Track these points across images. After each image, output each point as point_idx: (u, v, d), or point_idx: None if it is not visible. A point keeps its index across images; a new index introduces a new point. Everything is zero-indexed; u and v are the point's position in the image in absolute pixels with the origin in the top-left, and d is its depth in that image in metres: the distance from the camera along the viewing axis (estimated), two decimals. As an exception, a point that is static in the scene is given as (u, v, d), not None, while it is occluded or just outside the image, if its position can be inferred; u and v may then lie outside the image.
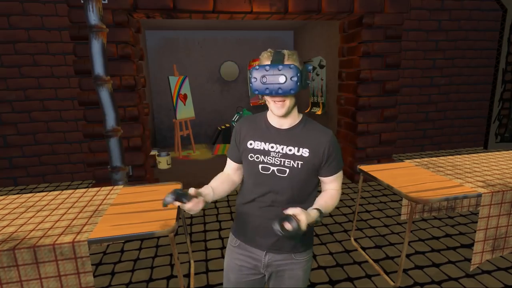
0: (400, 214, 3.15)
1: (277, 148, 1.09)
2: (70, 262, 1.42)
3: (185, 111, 5.54)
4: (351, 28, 3.84)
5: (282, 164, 1.08)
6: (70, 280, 1.44)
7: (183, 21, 5.19)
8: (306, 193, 1.13)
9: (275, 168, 1.08)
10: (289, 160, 1.07)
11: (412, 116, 5.25)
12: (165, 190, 2.01)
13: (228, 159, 1.25)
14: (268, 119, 1.14)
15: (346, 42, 4.04)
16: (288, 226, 0.87)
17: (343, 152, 4.28)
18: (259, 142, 1.11)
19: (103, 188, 2.11)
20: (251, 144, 1.12)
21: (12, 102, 4.06)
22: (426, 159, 2.63)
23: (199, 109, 6.69)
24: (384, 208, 3.33)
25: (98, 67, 2.58)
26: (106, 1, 2.98)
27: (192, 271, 2.30)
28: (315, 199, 1.12)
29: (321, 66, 5.49)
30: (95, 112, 3.24)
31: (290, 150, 1.08)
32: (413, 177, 2.18)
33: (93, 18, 2.50)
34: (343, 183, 4.07)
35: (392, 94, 3.90)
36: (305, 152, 1.07)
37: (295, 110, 1.10)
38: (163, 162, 4.74)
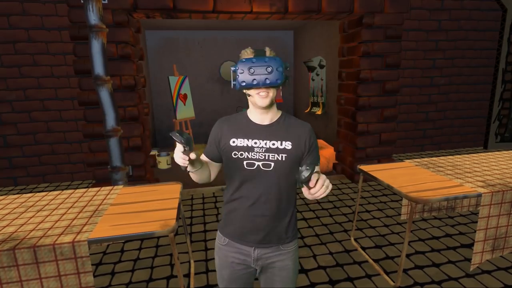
0: (400, 214, 3.16)
1: (260, 143, 1.12)
2: (70, 262, 1.42)
3: (185, 111, 5.54)
4: (351, 28, 3.84)
5: (266, 158, 1.11)
6: (70, 280, 1.44)
7: (183, 21, 5.19)
8: (291, 185, 1.17)
9: (260, 163, 1.11)
10: (273, 154, 1.11)
11: (412, 116, 5.25)
12: (165, 190, 2.01)
13: (203, 156, 1.24)
14: (249, 117, 1.17)
15: (346, 42, 4.04)
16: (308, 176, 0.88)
17: (343, 152, 4.28)
18: (242, 139, 1.14)
19: (103, 188, 2.11)
20: (233, 142, 1.14)
21: (12, 102, 4.06)
22: (426, 159, 2.63)
23: (199, 109, 6.69)
24: (384, 208, 3.33)
25: (98, 67, 2.58)
26: (106, 1, 2.98)
27: (192, 271, 2.30)
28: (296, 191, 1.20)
29: (321, 66, 5.48)
30: (95, 112, 3.24)
31: (273, 144, 1.12)
32: (413, 177, 2.18)
33: (93, 18, 2.50)
34: (343, 183, 4.08)
35: (392, 94, 3.90)
36: (287, 145, 1.12)
37: (275, 106, 1.17)
38: (163, 162, 4.74)
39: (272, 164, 1.11)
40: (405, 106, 5.18)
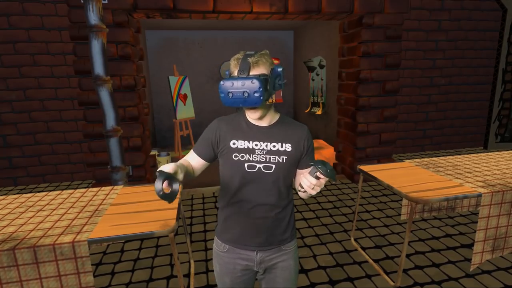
0: (400, 214, 3.15)
1: (261, 145, 1.11)
2: (70, 262, 1.42)
3: (185, 111, 5.54)
4: (351, 28, 3.84)
5: (267, 160, 1.11)
6: (70, 280, 1.44)
7: (183, 21, 5.19)
8: (288, 185, 1.18)
9: (261, 165, 1.10)
10: (274, 156, 1.11)
11: (412, 116, 5.25)
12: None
13: (193, 153, 1.20)
14: (248, 118, 1.15)
15: (346, 42, 4.04)
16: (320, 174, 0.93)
17: (343, 152, 4.28)
18: (243, 141, 1.12)
19: (103, 188, 2.11)
20: (234, 143, 1.12)
21: (12, 102, 4.06)
22: (426, 159, 2.63)
23: (199, 109, 6.69)
24: (384, 208, 3.33)
25: (98, 67, 2.58)
26: (106, 1, 2.98)
27: (192, 271, 2.30)
28: (291, 190, 1.21)
29: (321, 66, 5.49)
30: (95, 112, 3.24)
31: (274, 146, 1.12)
32: (413, 177, 2.18)
33: (93, 18, 2.50)
34: (343, 183, 4.08)
35: (392, 94, 3.90)
36: (288, 147, 1.13)
37: (272, 109, 1.15)
38: (163, 162, 4.74)
39: (273, 166, 1.10)
40: (405, 106, 5.18)
